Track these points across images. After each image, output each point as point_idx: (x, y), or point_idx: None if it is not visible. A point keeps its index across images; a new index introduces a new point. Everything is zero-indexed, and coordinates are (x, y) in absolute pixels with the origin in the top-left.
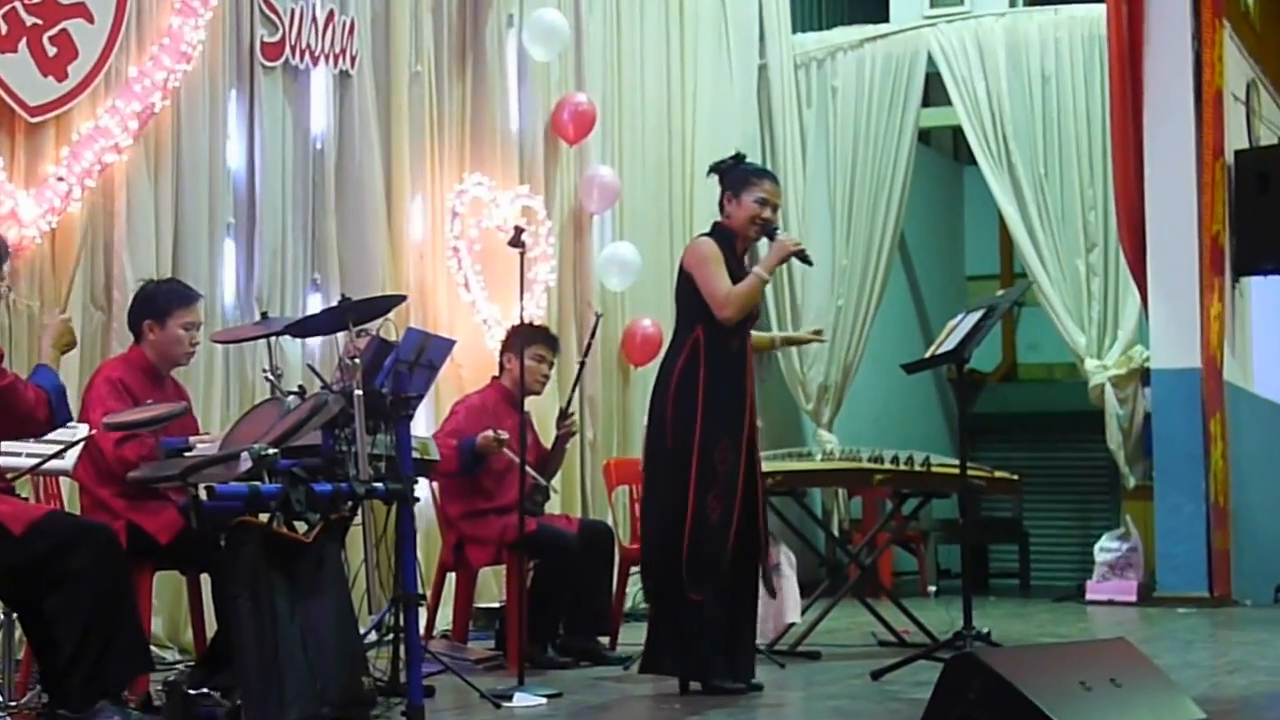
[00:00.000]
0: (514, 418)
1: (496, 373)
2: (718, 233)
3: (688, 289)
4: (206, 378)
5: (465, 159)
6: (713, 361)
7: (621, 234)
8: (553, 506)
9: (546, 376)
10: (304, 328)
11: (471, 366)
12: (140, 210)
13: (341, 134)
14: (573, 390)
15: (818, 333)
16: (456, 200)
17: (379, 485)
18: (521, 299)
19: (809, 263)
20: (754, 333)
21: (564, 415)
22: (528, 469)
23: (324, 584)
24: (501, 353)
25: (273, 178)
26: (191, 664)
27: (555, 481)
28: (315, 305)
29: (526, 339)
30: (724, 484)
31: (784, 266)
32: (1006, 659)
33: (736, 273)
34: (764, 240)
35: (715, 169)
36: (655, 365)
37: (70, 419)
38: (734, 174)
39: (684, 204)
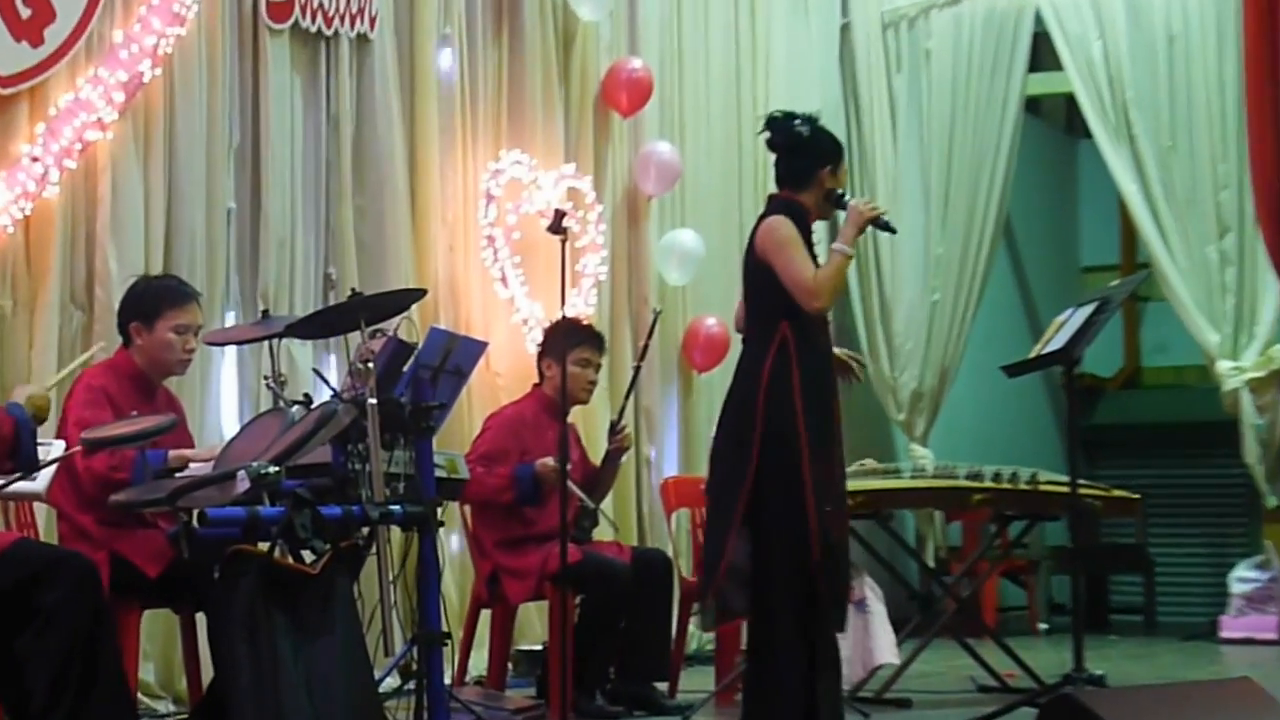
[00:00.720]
0: (556, 431)
1: (536, 380)
2: (789, 209)
3: (766, 278)
4: (206, 387)
5: (502, 134)
6: (805, 361)
7: (683, 220)
8: (602, 533)
9: (593, 383)
10: (308, 327)
11: (510, 375)
12: (127, 195)
13: (359, 107)
14: (626, 399)
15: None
16: (492, 182)
17: (396, 508)
18: (563, 295)
19: (892, 230)
20: None
21: (615, 428)
22: (573, 489)
23: (333, 622)
24: (540, 357)
25: (280, 158)
26: (186, 716)
27: (605, 504)
28: (331, 304)
29: (568, 340)
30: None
31: (868, 255)
32: (1109, 702)
33: (809, 247)
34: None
35: (788, 130)
36: (722, 371)
37: (34, 459)
38: (829, 146)
39: (755, 184)
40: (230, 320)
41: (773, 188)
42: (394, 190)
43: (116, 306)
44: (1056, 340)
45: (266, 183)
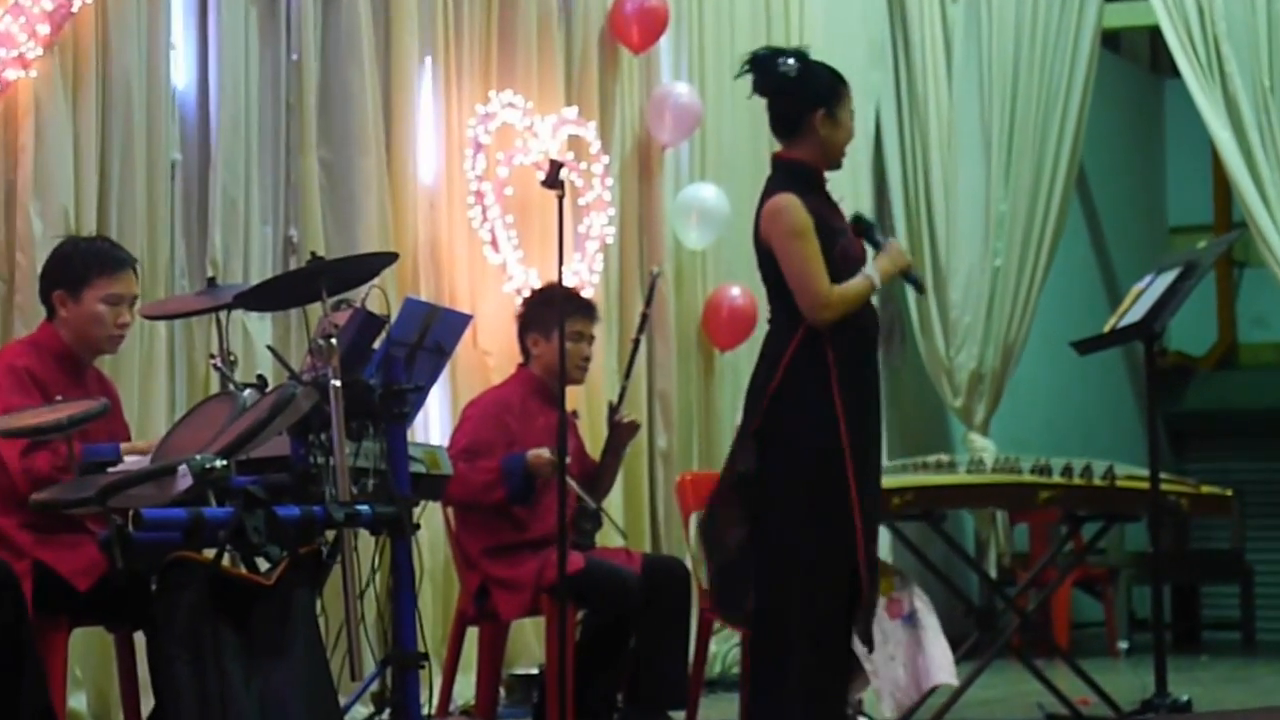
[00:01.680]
0: (549, 417)
1: (522, 359)
2: (796, 176)
3: (774, 264)
4: (146, 367)
5: (492, 73)
6: (841, 349)
7: (703, 173)
8: (607, 537)
9: (588, 359)
10: (261, 298)
11: (502, 353)
12: (53, 144)
13: (325, 42)
14: (625, 378)
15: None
16: (480, 129)
17: (364, 509)
18: (561, 260)
19: (921, 289)
20: None
21: (614, 411)
22: (572, 485)
23: (290, 641)
24: (524, 332)
25: (232, 101)
26: None
27: (611, 504)
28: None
29: (557, 311)
30: (873, 507)
31: (919, 215)
32: None
33: (829, 223)
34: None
35: (773, 69)
36: (749, 349)
37: None
38: (822, 84)
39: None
40: (179, 291)
41: None
42: (365, 139)
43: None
44: (1134, 312)
45: (217, 131)
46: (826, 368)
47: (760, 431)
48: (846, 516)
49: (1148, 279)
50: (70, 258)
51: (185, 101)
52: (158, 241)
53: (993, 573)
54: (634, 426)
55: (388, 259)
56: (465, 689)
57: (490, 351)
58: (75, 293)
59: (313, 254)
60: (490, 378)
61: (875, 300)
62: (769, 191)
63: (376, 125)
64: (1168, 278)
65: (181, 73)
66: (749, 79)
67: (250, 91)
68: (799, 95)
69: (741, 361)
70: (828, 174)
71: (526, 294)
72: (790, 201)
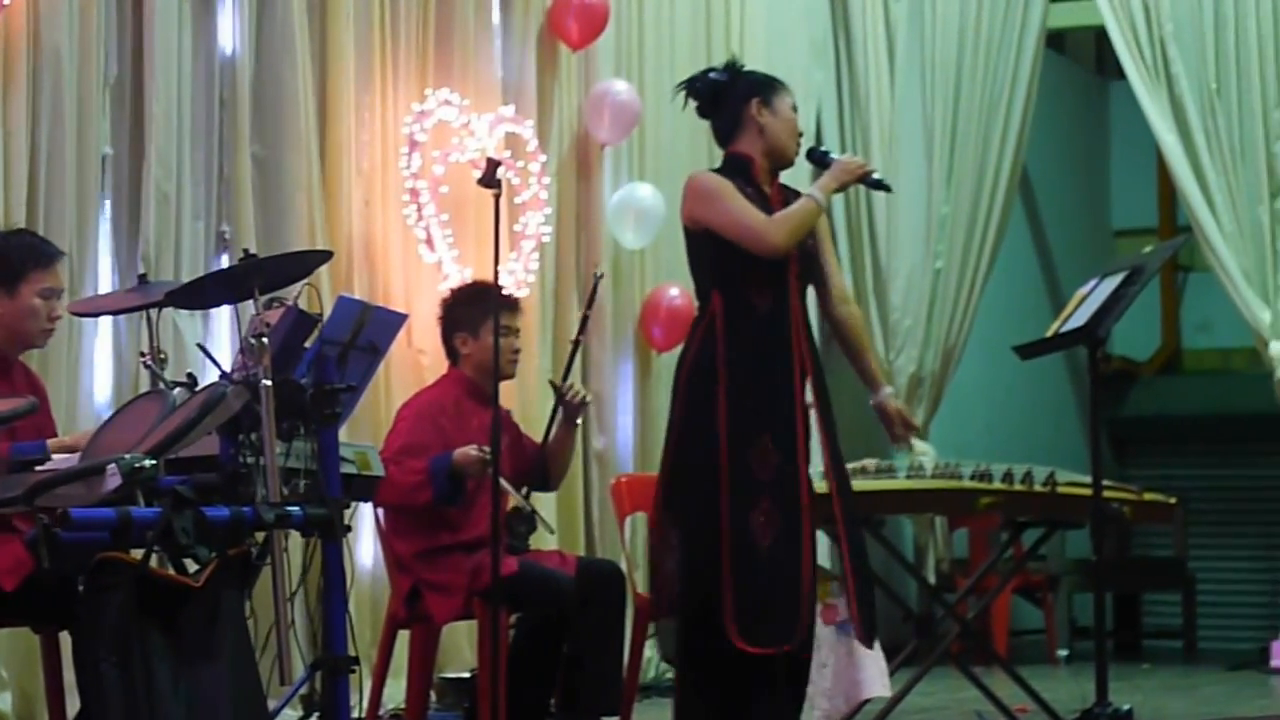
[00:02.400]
0: (483, 418)
1: (450, 361)
2: (727, 164)
3: (697, 246)
4: (73, 364)
5: (428, 70)
6: (734, 333)
7: (641, 172)
8: (540, 540)
9: (518, 350)
10: (192, 296)
11: (437, 352)
12: None
13: (260, 37)
14: (564, 378)
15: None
16: (415, 126)
17: (295, 510)
18: (496, 259)
19: (886, 188)
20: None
21: (561, 388)
22: (505, 485)
23: (219, 644)
24: (450, 334)
25: (165, 96)
26: None
27: (546, 506)
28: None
29: (482, 308)
30: (776, 495)
31: (860, 215)
32: None
33: (760, 207)
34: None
35: (703, 84)
36: None
37: None
38: (752, 79)
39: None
40: (106, 286)
41: None
42: (299, 135)
43: None
44: (1078, 316)
45: (149, 125)
46: (717, 356)
47: (670, 427)
48: (714, 504)
49: (1092, 283)
50: (4, 252)
51: (117, 95)
52: (88, 236)
53: (931, 579)
54: (584, 402)
55: (322, 257)
56: (395, 693)
57: (424, 350)
58: (10, 287)
59: (245, 251)
60: (424, 376)
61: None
62: (690, 177)
63: (311, 121)
64: (1113, 282)
65: (114, 65)
66: (692, 102)
67: (183, 86)
68: (730, 95)
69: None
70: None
71: (446, 294)
72: (698, 174)
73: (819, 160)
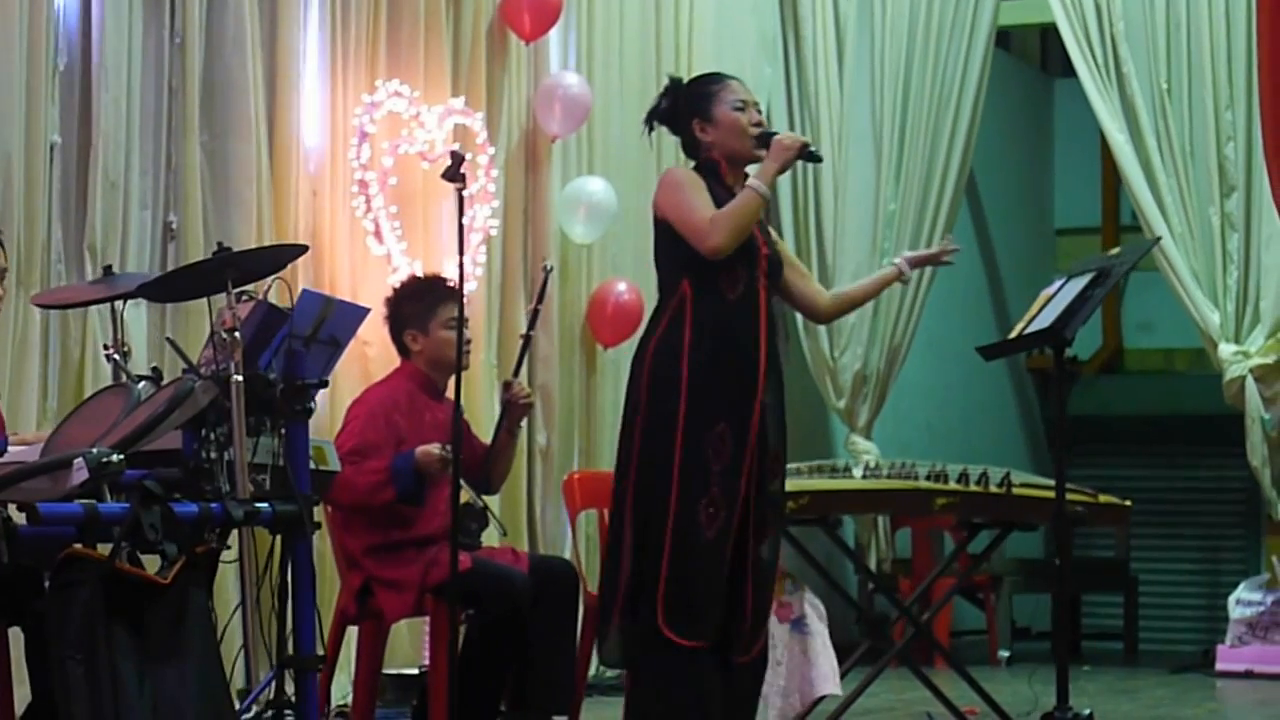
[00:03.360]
0: (435, 413)
1: (401, 356)
2: (700, 167)
3: (668, 237)
4: (19, 354)
5: (379, 60)
6: (702, 317)
7: (590, 166)
8: (490, 537)
9: (470, 340)
10: (165, 289)
11: (383, 344)
12: None
13: (209, 26)
14: (515, 373)
15: (948, 242)
16: (365, 117)
17: (264, 507)
18: (461, 252)
19: (817, 158)
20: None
21: (508, 387)
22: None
23: (187, 642)
24: (398, 331)
25: (114, 84)
26: None
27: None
28: (171, 258)
29: (429, 300)
30: (722, 486)
31: (807, 211)
32: None
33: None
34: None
35: (654, 116)
36: (633, 346)
37: None
38: (688, 97)
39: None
40: (56, 276)
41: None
42: (248, 125)
43: None
44: (1043, 317)
45: (98, 113)
46: (682, 340)
47: (628, 418)
48: (666, 489)
49: (1058, 284)
50: None
51: (66, 83)
52: (35, 224)
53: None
54: (528, 405)
55: (297, 251)
56: (342, 689)
57: (370, 342)
58: None
59: (220, 245)
60: (370, 368)
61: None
62: (667, 171)
63: (260, 111)
64: (1079, 283)
65: (63, 54)
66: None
67: (133, 74)
68: (677, 119)
69: (624, 358)
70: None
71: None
72: (678, 168)
73: (765, 143)
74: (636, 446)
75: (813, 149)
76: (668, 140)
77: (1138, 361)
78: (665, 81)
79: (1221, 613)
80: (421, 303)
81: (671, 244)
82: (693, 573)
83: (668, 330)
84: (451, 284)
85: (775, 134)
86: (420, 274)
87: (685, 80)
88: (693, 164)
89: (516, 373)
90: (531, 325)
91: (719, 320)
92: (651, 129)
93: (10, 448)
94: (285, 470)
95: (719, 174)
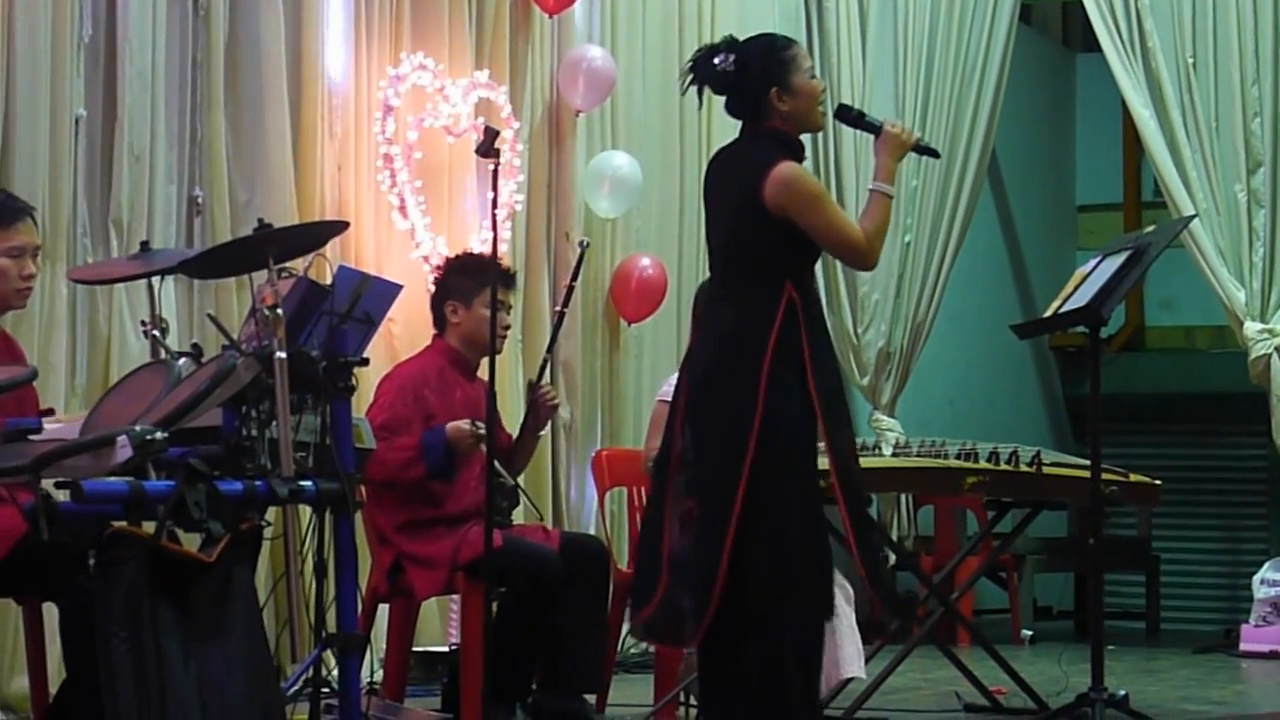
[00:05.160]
0: (466, 390)
1: (436, 329)
2: (785, 145)
3: (774, 232)
4: (46, 329)
5: (403, 33)
6: (811, 319)
7: (614, 140)
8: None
9: (508, 327)
10: (206, 264)
11: (408, 321)
12: None
13: None
14: (549, 351)
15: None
16: (390, 91)
17: (308, 485)
18: (495, 228)
19: (935, 154)
20: None
21: (535, 387)
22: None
23: (231, 620)
24: (440, 300)
25: (139, 56)
26: None
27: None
28: (196, 232)
29: (479, 277)
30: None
31: (830, 187)
32: None
33: None
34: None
35: (714, 79)
36: (656, 322)
37: None
38: (764, 63)
39: (700, 98)
40: (82, 250)
41: (719, 104)
42: (273, 98)
43: None
44: (1079, 296)
45: (122, 86)
46: (802, 343)
47: (740, 414)
48: (809, 494)
49: (1093, 262)
50: None
51: (91, 55)
52: (60, 199)
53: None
54: (554, 407)
55: (337, 228)
56: (371, 667)
57: (394, 318)
58: None
59: (260, 221)
60: (395, 345)
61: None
62: (759, 158)
63: (284, 85)
64: (1115, 262)
65: (87, 26)
66: (696, 81)
67: (158, 47)
68: (746, 86)
69: (648, 334)
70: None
71: (442, 261)
72: (798, 170)
73: (852, 121)
74: (760, 448)
75: (926, 143)
76: (690, 114)
77: (1159, 339)
78: (702, 46)
79: (1243, 592)
80: (471, 278)
81: (776, 242)
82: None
83: (783, 331)
84: (507, 269)
85: (861, 113)
86: (478, 252)
87: (743, 41)
88: (770, 131)
89: (551, 349)
90: (566, 301)
91: (819, 323)
92: (700, 92)
93: (48, 425)
94: (328, 448)
95: (799, 149)
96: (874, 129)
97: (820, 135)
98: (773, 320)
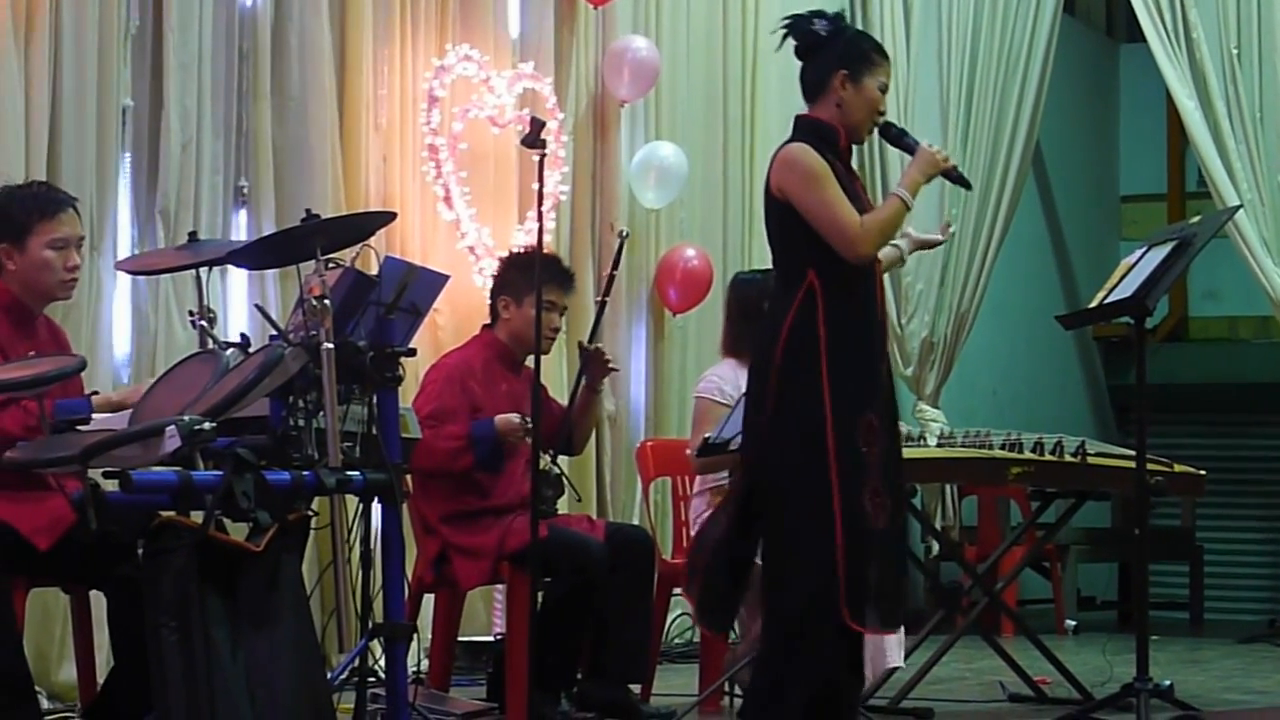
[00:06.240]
0: (511, 384)
1: (486, 321)
2: (814, 132)
3: (787, 218)
4: (93, 319)
5: (449, 25)
6: (834, 310)
7: (658, 131)
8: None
9: (557, 329)
10: (254, 255)
11: (452, 313)
12: (4, 89)
13: None
14: (591, 340)
15: (946, 227)
16: (435, 82)
17: (355, 475)
18: (540, 220)
19: (966, 185)
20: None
21: (585, 349)
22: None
23: (278, 610)
24: (495, 294)
25: (186, 47)
26: (72, 716)
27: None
28: (241, 223)
29: (534, 276)
30: (883, 474)
31: (873, 180)
32: None
33: (848, 185)
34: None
35: (807, 33)
36: (701, 312)
37: None
38: (849, 46)
39: (741, 92)
40: (126, 240)
41: (766, 93)
42: (319, 89)
43: None
44: (1124, 286)
45: (169, 76)
46: (818, 335)
47: (760, 404)
48: (826, 496)
49: (1138, 253)
50: (7, 208)
51: (138, 46)
52: (107, 189)
53: (937, 546)
54: (604, 359)
55: (384, 218)
56: (416, 657)
57: (439, 309)
58: (19, 242)
59: (308, 212)
60: (439, 335)
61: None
62: (782, 145)
63: (330, 76)
64: (1160, 252)
65: (135, 16)
66: (779, 46)
67: (204, 38)
68: (823, 55)
69: (693, 325)
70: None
71: (490, 254)
72: (802, 149)
73: (895, 140)
74: (773, 435)
75: (961, 172)
76: (734, 105)
77: (1202, 330)
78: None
79: None
80: (528, 275)
81: (796, 229)
82: (872, 563)
83: (798, 319)
84: (568, 271)
85: (903, 131)
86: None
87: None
88: (803, 119)
89: (592, 339)
90: (607, 291)
91: (850, 316)
92: (795, 39)
93: (96, 415)
94: (374, 438)
95: (837, 145)
96: (910, 148)
97: (868, 156)
98: (790, 307)
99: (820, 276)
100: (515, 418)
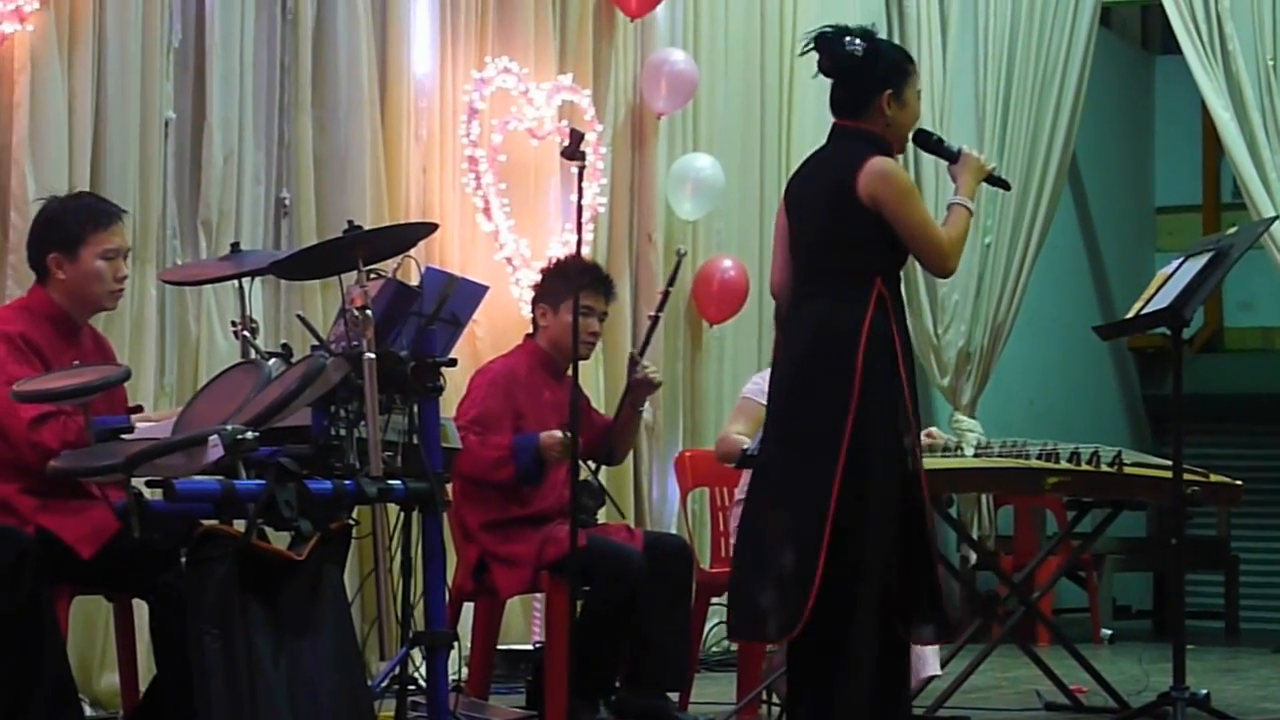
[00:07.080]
0: (554, 392)
1: (530, 330)
2: (877, 145)
3: (867, 227)
4: (136, 329)
5: (489, 37)
6: (900, 321)
7: (695, 143)
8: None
9: (596, 335)
10: (297, 266)
11: (491, 323)
12: (49, 101)
13: (321, 2)
14: (641, 353)
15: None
16: (475, 94)
17: (397, 484)
18: (579, 231)
19: (1006, 186)
20: None
21: (634, 364)
22: (582, 464)
23: (320, 618)
24: (535, 302)
25: (228, 60)
26: None
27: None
28: (284, 233)
29: (572, 282)
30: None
31: (912, 175)
32: None
33: None
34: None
35: (842, 55)
36: (738, 323)
37: None
38: (890, 64)
39: (778, 104)
40: (171, 252)
41: (803, 105)
42: (359, 101)
43: None
44: (1161, 297)
45: (211, 89)
46: (893, 337)
47: (836, 409)
48: (917, 488)
49: (1175, 264)
50: (60, 217)
51: (180, 59)
52: (149, 200)
53: (974, 555)
54: (654, 383)
55: (426, 229)
56: (455, 664)
57: (478, 320)
58: (71, 252)
59: (350, 223)
60: (478, 346)
61: None
62: (855, 153)
63: (371, 88)
64: (1197, 263)
65: (177, 30)
66: (814, 59)
67: (245, 51)
68: (865, 77)
69: (730, 335)
70: None
71: (528, 265)
72: (892, 162)
73: (931, 147)
74: (856, 440)
75: (1000, 175)
76: (771, 117)
77: (1237, 340)
78: (859, 33)
79: None
80: (562, 282)
81: (876, 237)
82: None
83: (876, 322)
84: (605, 277)
85: (939, 139)
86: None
87: (877, 36)
88: (864, 132)
89: (643, 353)
90: (661, 307)
91: (904, 323)
92: (823, 58)
93: (139, 424)
94: (415, 447)
95: (885, 149)
96: (951, 155)
97: (901, 160)
98: (865, 310)
99: (886, 284)
100: (558, 434)
